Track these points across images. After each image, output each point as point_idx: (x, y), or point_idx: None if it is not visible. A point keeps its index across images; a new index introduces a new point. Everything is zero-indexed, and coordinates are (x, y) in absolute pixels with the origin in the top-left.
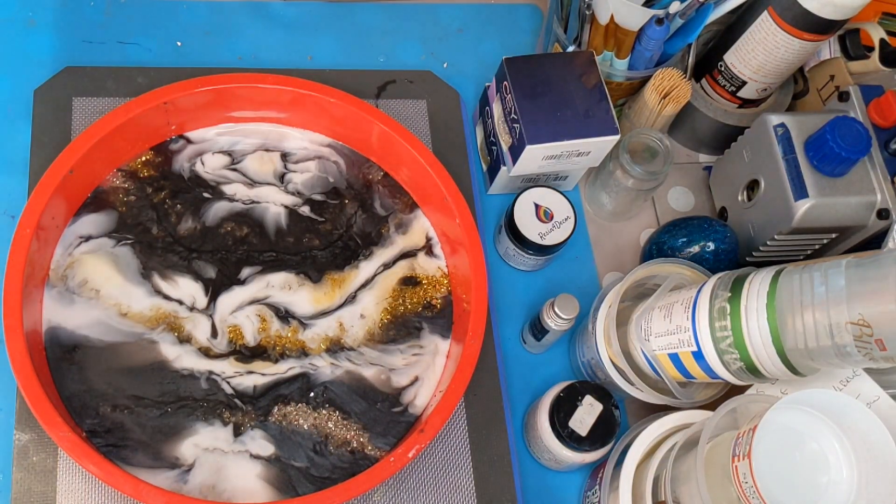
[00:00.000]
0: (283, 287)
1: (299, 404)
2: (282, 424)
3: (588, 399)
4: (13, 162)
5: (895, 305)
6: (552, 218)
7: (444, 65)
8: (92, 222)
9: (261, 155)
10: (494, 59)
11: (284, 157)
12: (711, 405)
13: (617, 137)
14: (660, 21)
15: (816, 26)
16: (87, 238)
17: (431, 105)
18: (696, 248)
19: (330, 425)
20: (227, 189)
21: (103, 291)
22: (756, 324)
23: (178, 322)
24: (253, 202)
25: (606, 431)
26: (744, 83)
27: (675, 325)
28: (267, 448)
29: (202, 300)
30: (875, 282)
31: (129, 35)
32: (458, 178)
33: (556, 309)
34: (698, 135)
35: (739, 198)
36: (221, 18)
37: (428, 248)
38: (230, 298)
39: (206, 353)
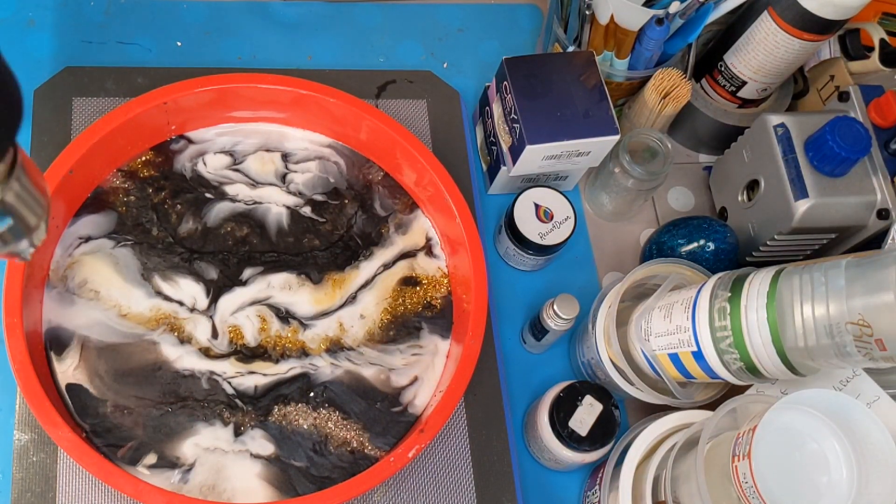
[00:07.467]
0: (283, 287)
1: (299, 404)
2: (282, 424)
3: (588, 399)
4: None
5: (895, 305)
6: (552, 218)
7: (444, 65)
8: (92, 223)
9: (261, 155)
10: (494, 59)
11: (285, 157)
12: (711, 405)
13: (617, 137)
14: (660, 21)
15: (816, 26)
16: (87, 239)
17: (431, 105)
18: (695, 248)
19: (330, 425)
20: (230, 189)
21: (103, 292)
22: (756, 324)
23: (178, 323)
24: (255, 202)
25: (606, 431)
26: (744, 83)
27: (674, 325)
28: (267, 448)
29: (203, 301)
30: (875, 282)
31: (129, 35)
32: (458, 178)
33: (556, 309)
34: (698, 135)
35: (739, 198)
36: (221, 18)
37: (428, 249)
38: (231, 299)
39: (206, 353)
